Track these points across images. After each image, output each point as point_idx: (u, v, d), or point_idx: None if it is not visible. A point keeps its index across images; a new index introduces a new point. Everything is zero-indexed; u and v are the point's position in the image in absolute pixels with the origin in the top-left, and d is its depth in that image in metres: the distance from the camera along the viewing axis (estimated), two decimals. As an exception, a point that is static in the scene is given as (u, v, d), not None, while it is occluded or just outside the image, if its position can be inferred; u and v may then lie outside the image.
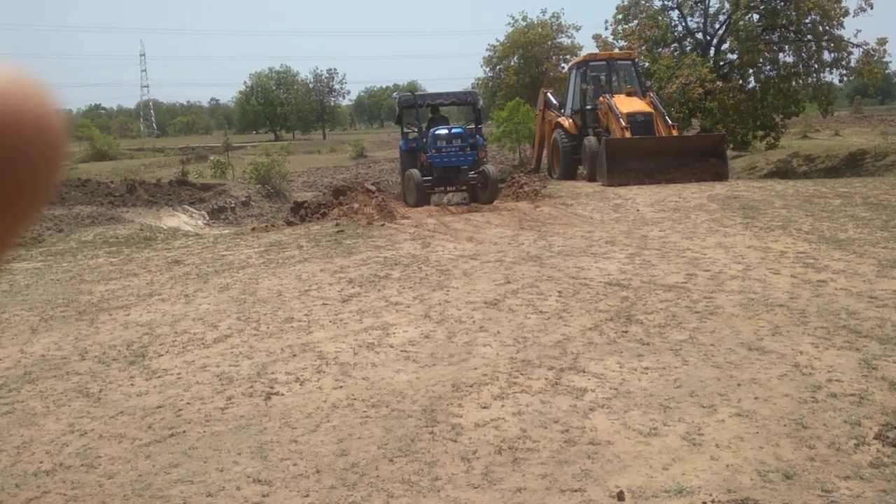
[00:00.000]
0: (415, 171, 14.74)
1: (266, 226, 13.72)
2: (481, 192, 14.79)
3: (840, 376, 4.56)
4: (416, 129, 16.03)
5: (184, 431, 4.30)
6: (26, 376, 5.41)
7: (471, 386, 4.75)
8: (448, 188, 16.11)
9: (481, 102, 16.89)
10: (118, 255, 10.53)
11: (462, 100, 17.46)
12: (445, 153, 14.88)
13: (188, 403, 4.72)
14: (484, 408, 4.41)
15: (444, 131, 15.17)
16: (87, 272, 9.34)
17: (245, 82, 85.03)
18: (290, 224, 12.77)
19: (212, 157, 31.20)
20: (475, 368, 5.07)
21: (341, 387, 4.86)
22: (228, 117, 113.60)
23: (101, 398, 4.90)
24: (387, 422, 4.28)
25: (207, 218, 18.11)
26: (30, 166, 0.42)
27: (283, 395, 4.79)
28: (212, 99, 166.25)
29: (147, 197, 18.31)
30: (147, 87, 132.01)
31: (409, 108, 16.63)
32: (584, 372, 4.90)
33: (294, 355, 5.55)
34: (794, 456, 3.64)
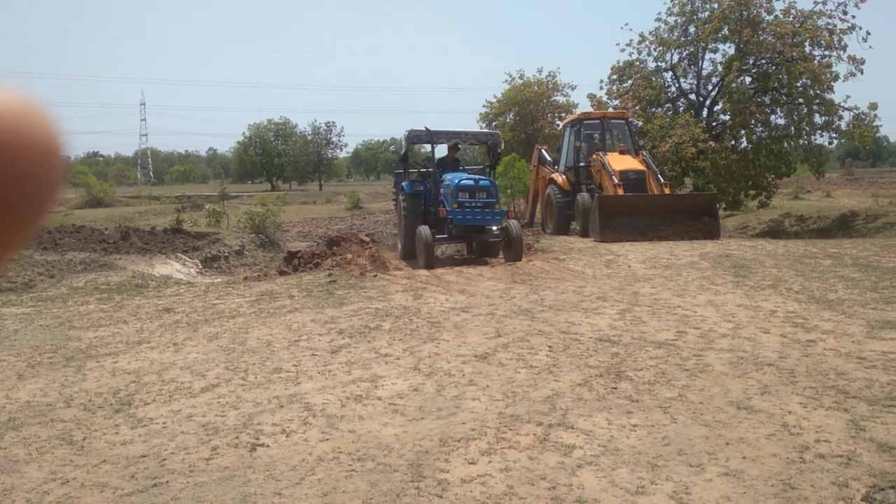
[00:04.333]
0: (424, 229, 12.62)
1: (259, 275, 13.72)
2: (505, 251, 13.20)
3: (828, 437, 4.54)
4: (422, 170, 14.56)
5: (167, 482, 4.25)
6: (10, 422, 5.35)
7: (458, 441, 4.72)
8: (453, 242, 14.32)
9: (502, 146, 14.99)
10: (109, 302, 10.50)
11: (481, 140, 15.52)
12: (469, 209, 12.81)
13: (172, 453, 4.66)
14: (471, 463, 4.37)
15: (469, 182, 13.06)
16: (76, 318, 9.31)
17: (244, 133, 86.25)
18: (282, 274, 12.79)
19: (207, 206, 31.34)
20: (463, 423, 5.04)
21: (327, 439, 4.82)
22: (225, 167, 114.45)
23: (84, 446, 4.85)
24: (372, 476, 4.24)
25: (200, 266, 18.09)
26: (25, 189, 0.42)
27: (268, 446, 4.74)
28: (209, 149, 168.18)
29: (141, 244, 18.30)
30: (146, 135, 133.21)
31: (420, 144, 14.86)
32: (572, 428, 4.88)
33: (281, 406, 5.51)
34: (781, 517, 3.61)
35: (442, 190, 13.32)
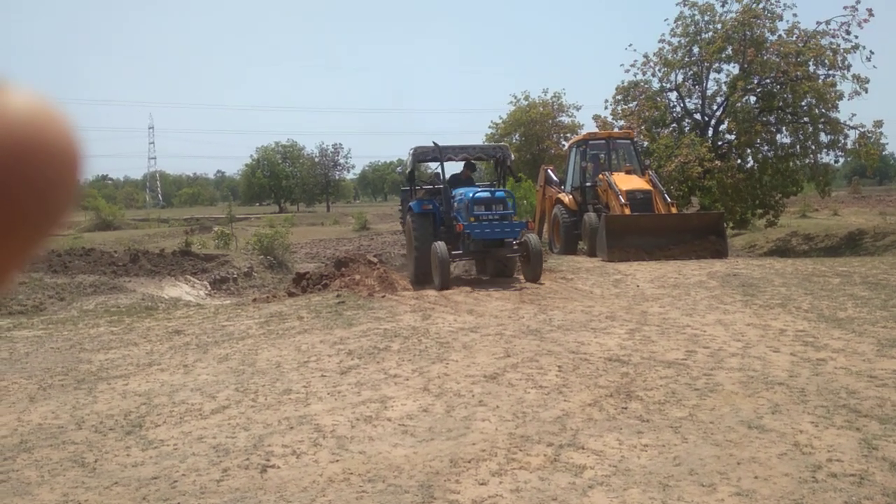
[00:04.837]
0: (440, 245, 12.12)
1: (267, 296, 13.76)
2: (524, 268, 12.76)
3: (840, 456, 4.53)
4: (429, 187, 13.99)
5: (178, 503, 4.26)
6: (22, 445, 5.37)
7: (469, 461, 4.72)
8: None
9: (512, 159, 14.23)
10: (119, 325, 10.55)
11: (490, 154, 14.82)
12: (487, 222, 12.25)
13: (183, 475, 4.68)
14: (482, 484, 4.37)
15: (484, 194, 12.59)
16: (87, 341, 9.35)
17: (251, 155, 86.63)
18: (291, 295, 12.82)
19: (216, 228, 31.46)
20: (473, 444, 5.04)
21: (338, 460, 4.82)
22: (233, 189, 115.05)
23: (96, 468, 4.86)
24: (383, 497, 4.24)
25: (209, 288, 18.15)
26: (41, 197, 0.42)
27: (279, 467, 4.75)
28: (218, 171, 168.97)
29: (150, 267, 18.39)
30: (154, 158, 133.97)
31: (427, 162, 14.39)
32: (583, 448, 4.87)
33: (291, 427, 5.52)
34: (794, 537, 3.59)
35: (456, 205, 12.85)
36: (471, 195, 12.48)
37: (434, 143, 13.64)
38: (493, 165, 14.84)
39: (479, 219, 12.24)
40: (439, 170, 14.20)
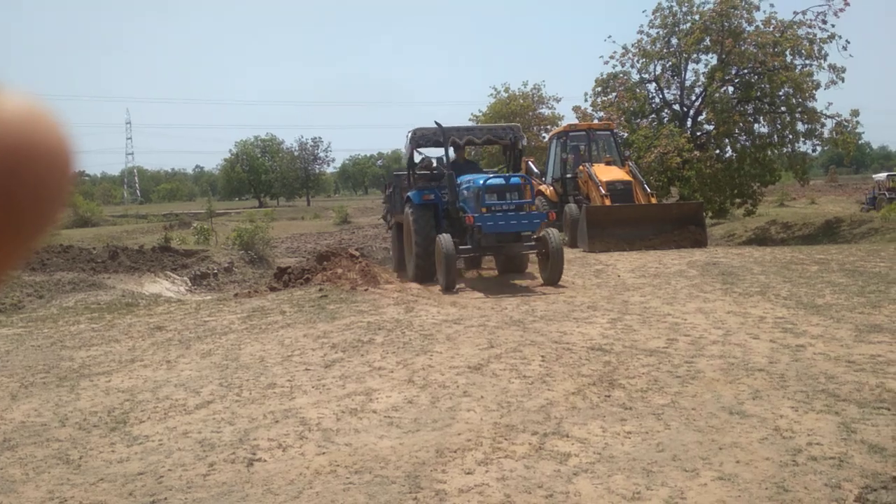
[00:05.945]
0: (446, 238, 10.85)
1: (249, 292, 13.71)
2: (542, 267, 11.43)
3: (820, 439, 4.60)
4: (434, 171, 12.76)
5: (165, 498, 4.26)
6: (5, 443, 5.34)
7: (455, 451, 4.75)
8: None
9: (524, 141, 12.94)
10: (100, 322, 10.47)
11: (499, 136, 12.99)
12: (501, 213, 10.84)
13: (169, 470, 4.67)
14: (468, 473, 4.40)
15: (498, 181, 11.14)
16: (68, 338, 9.28)
17: (230, 150, 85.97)
18: (273, 290, 12.79)
19: (195, 224, 31.22)
20: (459, 434, 5.07)
21: (324, 453, 4.84)
22: (212, 184, 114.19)
23: (81, 465, 4.85)
24: (370, 488, 4.26)
25: (190, 284, 18.04)
26: (35, 196, 0.42)
27: (265, 461, 4.76)
28: (196, 166, 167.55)
29: (129, 263, 18.23)
30: (132, 154, 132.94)
31: (429, 146, 12.88)
32: (567, 436, 4.92)
33: (276, 421, 5.53)
34: (776, 519, 3.65)
35: (465, 194, 11.51)
36: (481, 182, 11.08)
37: (436, 123, 12.32)
38: (503, 149, 13.66)
39: (492, 209, 10.86)
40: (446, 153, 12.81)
